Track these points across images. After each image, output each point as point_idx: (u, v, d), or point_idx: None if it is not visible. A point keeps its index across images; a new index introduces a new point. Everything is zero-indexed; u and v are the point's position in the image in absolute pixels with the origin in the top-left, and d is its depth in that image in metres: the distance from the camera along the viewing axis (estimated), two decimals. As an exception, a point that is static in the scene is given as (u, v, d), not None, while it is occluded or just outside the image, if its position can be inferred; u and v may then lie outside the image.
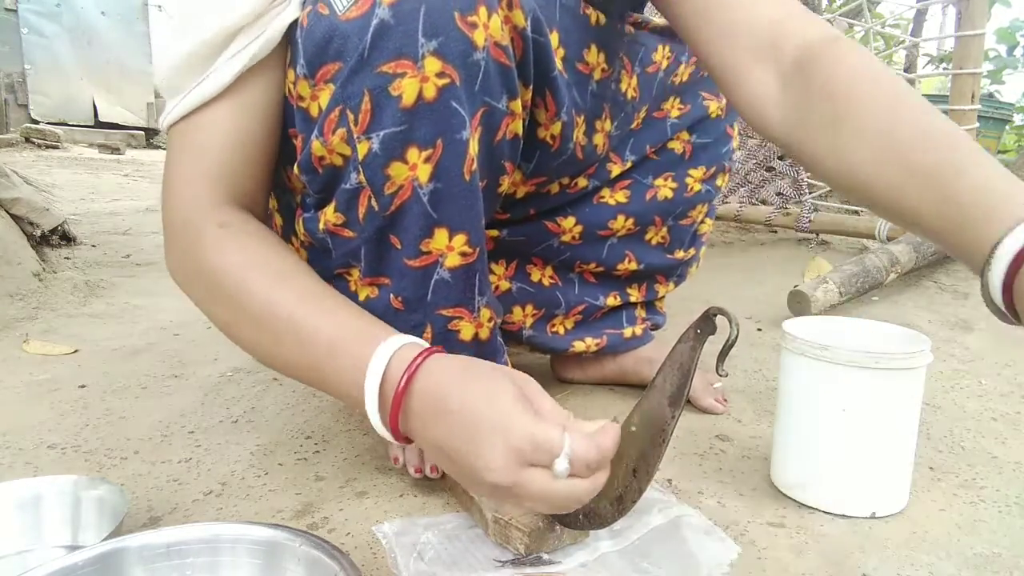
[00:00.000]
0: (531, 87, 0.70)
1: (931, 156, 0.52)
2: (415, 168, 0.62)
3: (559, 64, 0.72)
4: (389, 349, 0.55)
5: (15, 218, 1.73)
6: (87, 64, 6.17)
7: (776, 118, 0.61)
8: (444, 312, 0.70)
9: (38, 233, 1.78)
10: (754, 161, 2.26)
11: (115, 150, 5.11)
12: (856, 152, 0.55)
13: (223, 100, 0.63)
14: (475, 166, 0.65)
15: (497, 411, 0.50)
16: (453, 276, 0.68)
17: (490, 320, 0.75)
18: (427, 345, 0.57)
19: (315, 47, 0.60)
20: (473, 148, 0.64)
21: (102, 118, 6.11)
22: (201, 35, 0.61)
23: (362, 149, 0.61)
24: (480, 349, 0.74)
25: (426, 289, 0.68)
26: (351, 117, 0.60)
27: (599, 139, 0.84)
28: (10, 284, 1.51)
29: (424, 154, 0.61)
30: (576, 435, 0.49)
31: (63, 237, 1.89)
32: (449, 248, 0.67)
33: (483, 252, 0.70)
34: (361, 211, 0.65)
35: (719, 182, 1.00)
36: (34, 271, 1.60)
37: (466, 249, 0.68)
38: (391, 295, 0.69)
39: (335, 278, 0.71)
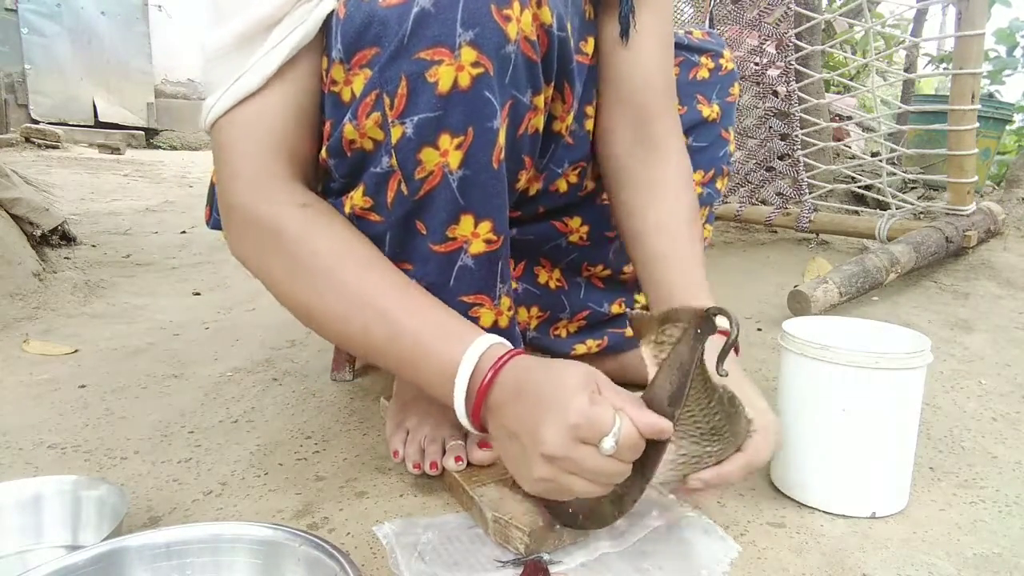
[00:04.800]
0: (552, 83, 0.71)
1: (653, 249, 0.79)
2: (446, 154, 0.63)
3: (574, 57, 0.73)
4: (478, 349, 0.60)
5: (15, 218, 1.73)
6: (87, 64, 6.16)
7: (619, 156, 0.84)
8: (466, 299, 0.71)
9: (38, 233, 1.77)
10: (754, 161, 2.26)
11: (115, 150, 5.10)
12: (639, 214, 0.81)
13: (274, 82, 0.64)
14: (503, 155, 0.66)
15: (560, 390, 0.56)
16: (477, 263, 0.69)
17: (510, 309, 0.75)
18: (511, 346, 0.62)
19: (354, 32, 0.61)
20: (502, 138, 0.65)
21: (102, 118, 6.10)
22: (237, 26, 0.62)
23: (396, 133, 0.62)
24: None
25: (449, 275, 0.69)
26: (387, 101, 0.61)
27: (589, 124, 0.85)
28: (10, 284, 1.51)
29: (456, 141, 0.62)
30: (627, 420, 0.55)
31: (63, 237, 1.89)
32: (474, 235, 0.68)
33: (507, 241, 0.71)
34: (390, 195, 0.66)
35: (719, 185, 1.01)
36: (34, 271, 1.60)
37: (491, 236, 0.68)
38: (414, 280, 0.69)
39: None
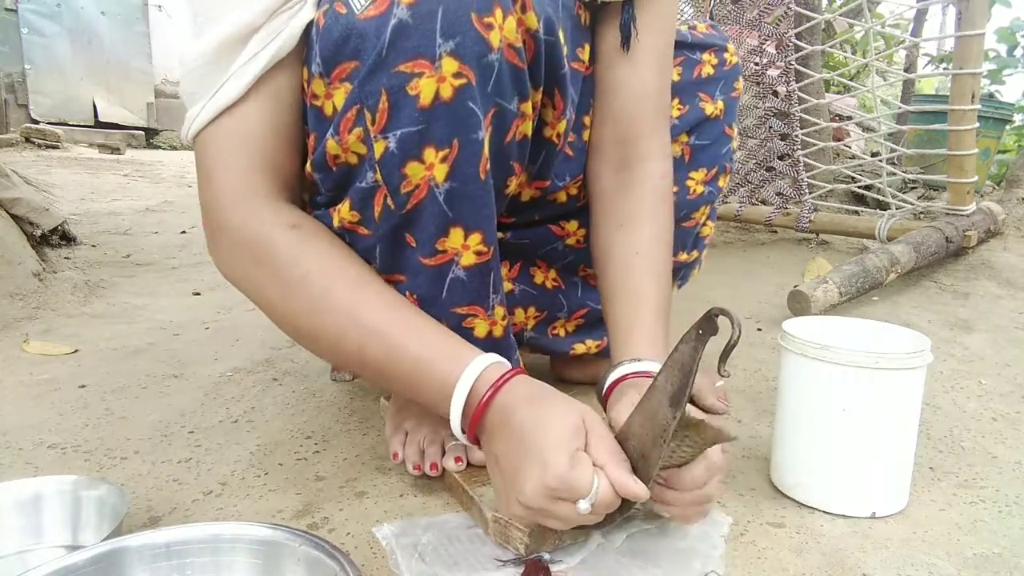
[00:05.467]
0: (541, 88, 0.70)
1: (623, 284, 0.78)
2: (432, 167, 0.62)
3: (565, 62, 0.73)
4: (476, 369, 0.61)
5: (15, 218, 1.73)
6: (87, 64, 6.16)
7: (604, 180, 0.84)
8: (459, 310, 0.71)
9: (38, 233, 1.77)
10: (754, 161, 2.26)
11: (115, 150, 5.10)
12: (609, 240, 0.81)
13: (253, 95, 0.63)
14: (489, 165, 0.65)
15: (543, 441, 0.56)
16: (468, 275, 0.69)
17: (504, 318, 0.75)
18: (510, 365, 0.62)
19: (332, 46, 0.60)
20: (487, 148, 0.64)
21: (102, 118, 6.11)
22: (215, 37, 0.61)
23: (379, 148, 0.61)
24: (494, 346, 0.75)
25: (441, 287, 0.69)
26: (368, 116, 0.61)
27: (587, 135, 0.84)
28: (10, 284, 1.51)
29: (441, 154, 0.62)
30: (605, 481, 0.56)
31: (63, 237, 1.89)
32: (464, 247, 0.67)
33: (496, 251, 0.71)
34: (377, 209, 0.65)
35: (721, 183, 1.00)
36: (34, 271, 1.60)
37: (481, 248, 0.68)
38: (406, 293, 0.69)
39: None
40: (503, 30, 0.61)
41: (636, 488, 0.56)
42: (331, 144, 0.63)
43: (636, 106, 0.82)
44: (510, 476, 0.59)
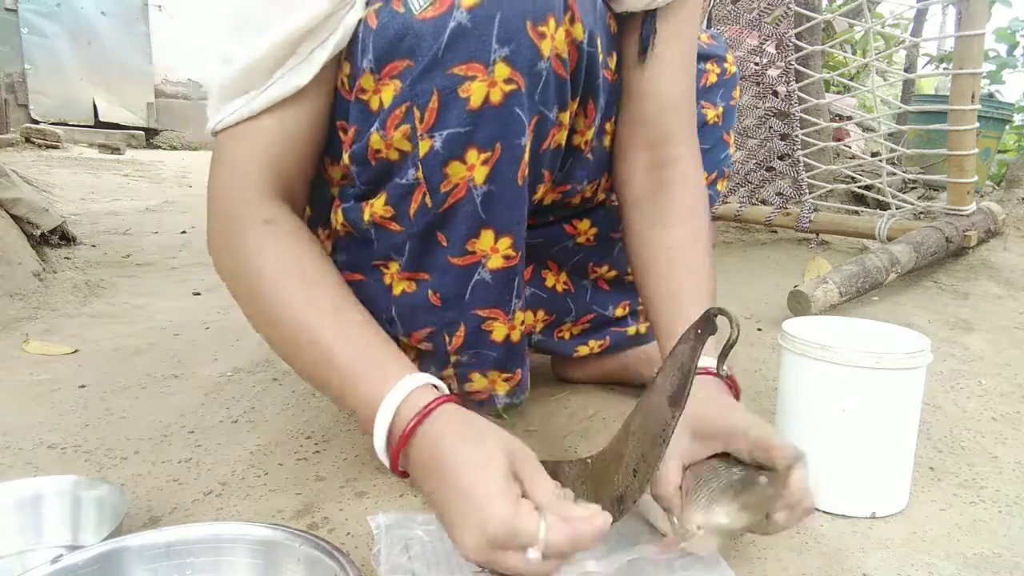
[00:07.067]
0: (577, 99, 0.70)
1: (664, 283, 0.76)
2: (473, 169, 0.63)
3: (601, 71, 0.73)
4: (402, 392, 0.58)
5: (15, 218, 1.73)
6: (87, 64, 6.15)
7: (637, 183, 0.82)
8: (480, 312, 0.71)
9: (38, 233, 1.77)
10: (754, 161, 2.26)
11: (115, 150, 5.09)
12: (647, 239, 0.80)
13: (298, 93, 0.64)
14: (527, 171, 0.66)
15: (480, 491, 0.52)
16: (494, 278, 0.69)
17: (522, 324, 0.75)
18: (439, 391, 0.59)
19: (386, 43, 0.61)
20: (527, 154, 0.65)
21: (102, 118, 6.10)
22: (271, 38, 0.62)
23: (424, 146, 0.62)
24: (509, 351, 0.75)
25: (465, 288, 0.69)
26: (417, 114, 0.61)
27: (608, 141, 0.85)
28: (10, 284, 1.51)
29: (483, 156, 0.63)
30: (554, 523, 0.50)
31: (63, 237, 1.89)
32: (494, 250, 0.68)
33: (523, 257, 0.71)
34: (413, 207, 0.66)
35: (719, 187, 1.01)
36: (34, 271, 1.60)
37: (510, 252, 0.69)
38: (429, 291, 0.69)
39: (371, 269, 0.72)
40: (554, 40, 0.62)
41: (594, 524, 0.51)
42: (375, 138, 0.64)
43: (668, 110, 0.81)
44: (447, 524, 0.55)
